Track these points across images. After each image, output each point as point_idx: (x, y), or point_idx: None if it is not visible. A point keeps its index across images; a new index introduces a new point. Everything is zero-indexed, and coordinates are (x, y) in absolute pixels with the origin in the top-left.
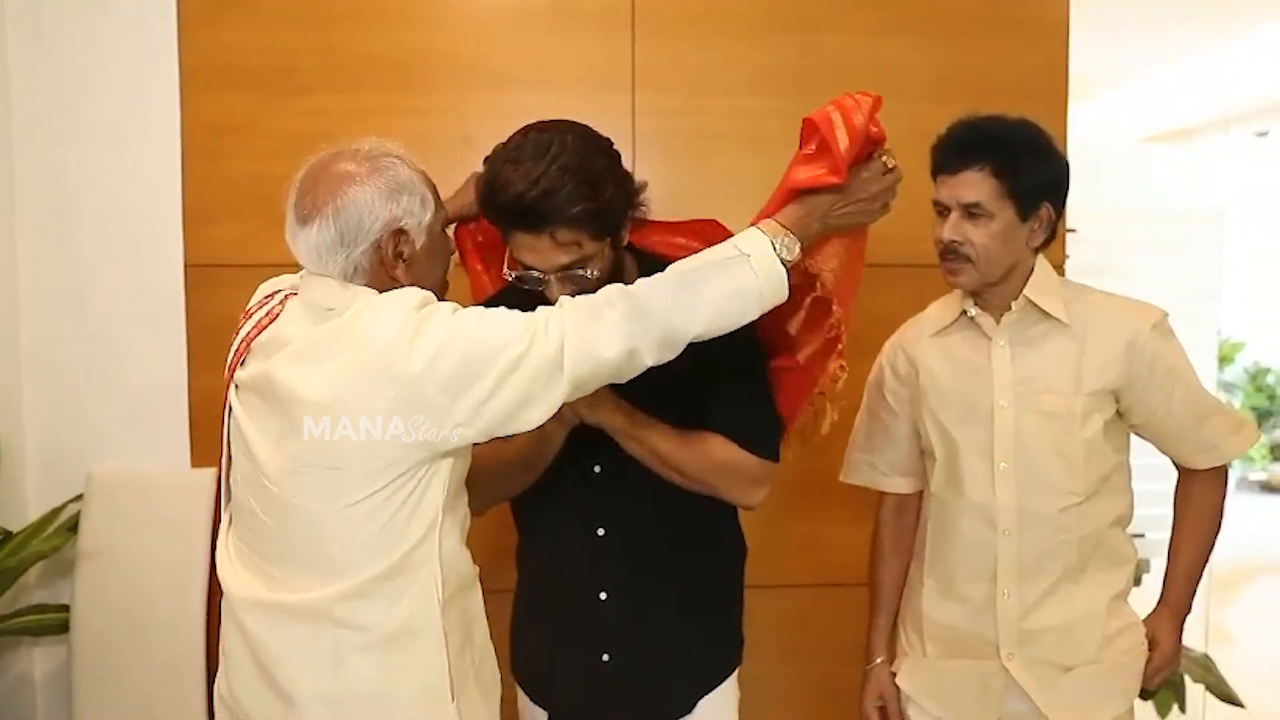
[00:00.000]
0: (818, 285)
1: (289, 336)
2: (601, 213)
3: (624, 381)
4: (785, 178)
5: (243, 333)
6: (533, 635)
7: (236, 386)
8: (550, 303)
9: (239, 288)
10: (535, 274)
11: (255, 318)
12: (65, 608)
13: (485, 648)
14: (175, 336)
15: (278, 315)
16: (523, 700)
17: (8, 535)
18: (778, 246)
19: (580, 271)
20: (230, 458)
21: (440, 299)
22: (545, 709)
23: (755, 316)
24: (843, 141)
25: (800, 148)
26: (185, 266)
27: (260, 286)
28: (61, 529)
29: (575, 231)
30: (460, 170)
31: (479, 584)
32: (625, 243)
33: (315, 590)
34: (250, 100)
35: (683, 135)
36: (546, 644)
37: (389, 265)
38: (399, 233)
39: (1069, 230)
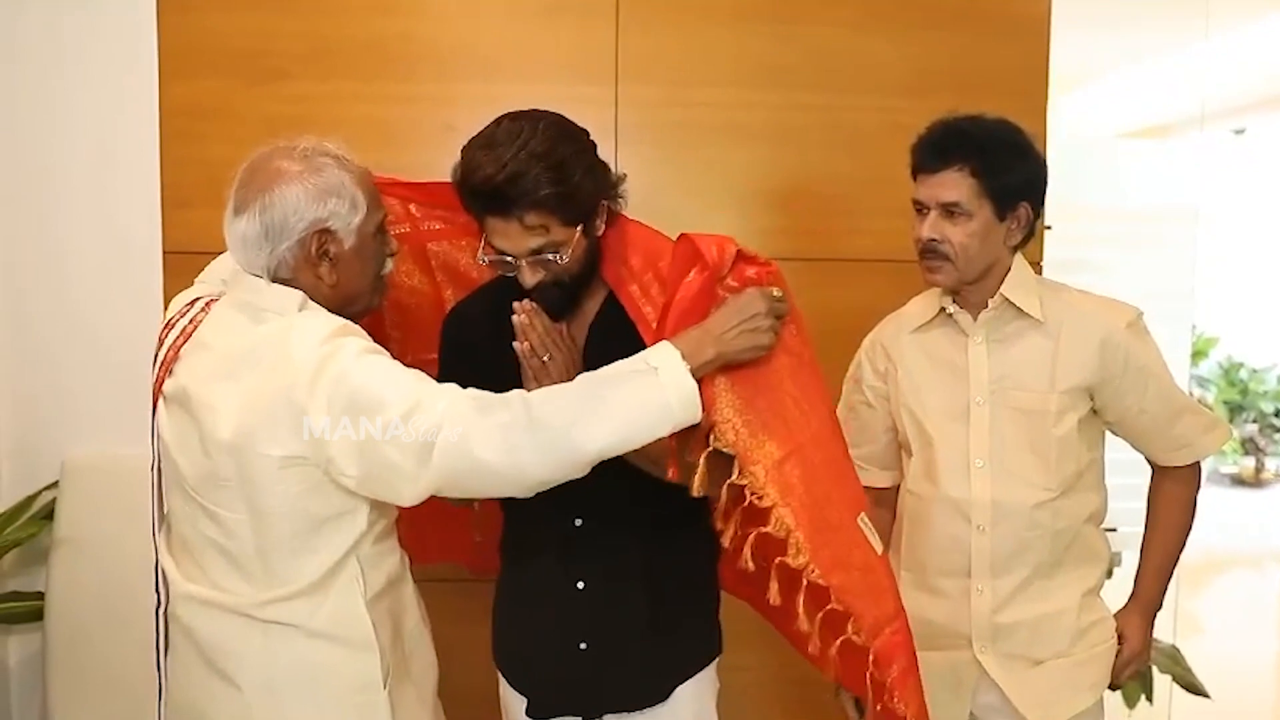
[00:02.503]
0: (748, 495)
1: (213, 344)
2: (569, 197)
3: (523, 498)
4: (670, 306)
5: (168, 343)
6: (512, 623)
7: (164, 397)
8: (526, 291)
9: None
10: (507, 259)
11: (180, 326)
12: (40, 595)
13: (416, 636)
14: (153, 322)
15: (201, 322)
16: (503, 686)
17: None
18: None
19: (550, 257)
20: (160, 460)
21: (373, 300)
22: (524, 695)
23: (666, 433)
24: (710, 252)
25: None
26: (164, 253)
27: (176, 297)
28: (37, 516)
29: (543, 215)
30: (444, 158)
31: (409, 574)
32: (600, 232)
33: (240, 595)
34: (229, 85)
35: (665, 126)
36: (525, 632)
37: (313, 263)
38: (324, 232)
39: (1045, 227)
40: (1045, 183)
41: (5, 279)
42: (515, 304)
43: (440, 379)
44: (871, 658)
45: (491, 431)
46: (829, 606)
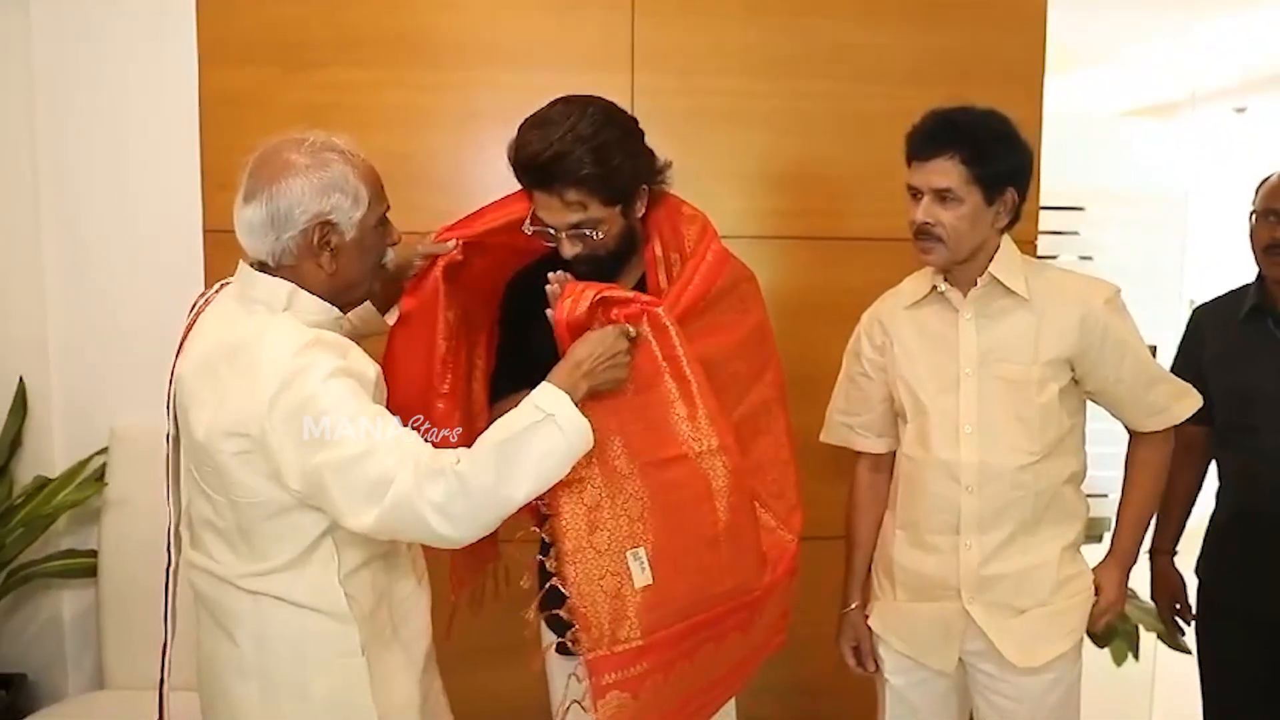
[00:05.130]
0: (536, 500)
1: (207, 334)
2: (607, 178)
3: (445, 548)
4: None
5: (185, 324)
6: (544, 575)
7: (175, 378)
8: (565, 261)
9: None
10: (549, 230)
11: (195, 306)
12: (93, 553)
13: (408, 604)
14: (194, 298)
15: (211, 300)
16: (544, 628)
17: (45, 482)
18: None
19: (588, 232)
20: (175, 434)
21: (371, 287)
22: (557, 635)
23: (569, 469)
24: (567, 309)
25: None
26: (205, 231)
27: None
28: (90, 479)
29: (582, 193)
30: (466, 142)
31: (399, 554)
32: (641, 214)
33: (228, 566)
34: (265, 73)
35: (679, 114)
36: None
37: (314, 252)
38: (326, 224)
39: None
40: (1031, 169)
41: (54, 256)
42: (549, 274)
43: (501, 337)
44: (583, 664)
45: (435, 497)
46: (554, 611)
